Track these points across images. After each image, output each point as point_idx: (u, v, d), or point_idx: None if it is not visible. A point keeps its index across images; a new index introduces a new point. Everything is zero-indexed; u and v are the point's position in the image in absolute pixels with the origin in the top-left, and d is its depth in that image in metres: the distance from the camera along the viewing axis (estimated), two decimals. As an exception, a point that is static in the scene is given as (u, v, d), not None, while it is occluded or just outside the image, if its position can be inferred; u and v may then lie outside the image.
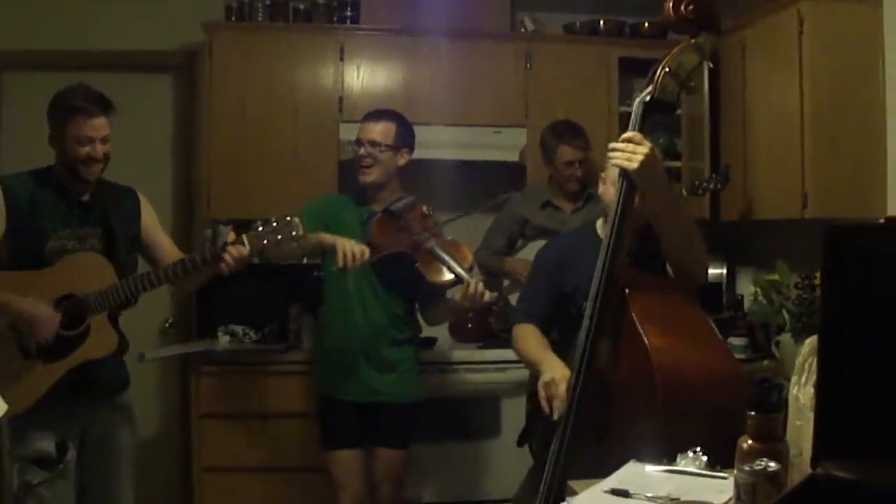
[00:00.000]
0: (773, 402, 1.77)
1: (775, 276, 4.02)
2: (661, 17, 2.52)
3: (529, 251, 4.17)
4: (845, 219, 3.66)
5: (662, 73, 2.42)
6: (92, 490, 3.12)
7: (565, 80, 4.91)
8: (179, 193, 5.15)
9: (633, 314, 2.41)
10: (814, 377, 1.86)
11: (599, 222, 2.95)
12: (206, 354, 4.45)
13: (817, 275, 3.49)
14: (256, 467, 4.36)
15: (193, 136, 5.08)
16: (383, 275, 3.54)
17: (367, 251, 3.31)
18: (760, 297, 4.11)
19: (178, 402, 5.01)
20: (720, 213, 4.81)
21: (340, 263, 3.27)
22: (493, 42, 4.94)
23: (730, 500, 1.79)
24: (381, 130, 3.59)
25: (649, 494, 1.89)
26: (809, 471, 1.66)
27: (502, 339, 4.29)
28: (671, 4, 2.41)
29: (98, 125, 2.98)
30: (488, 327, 4.72)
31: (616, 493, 1.93)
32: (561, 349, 2.78)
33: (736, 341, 4.30)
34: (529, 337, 2.96)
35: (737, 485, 1.72)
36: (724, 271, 4.97)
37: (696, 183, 4.53)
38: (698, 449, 2.05)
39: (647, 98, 2.45)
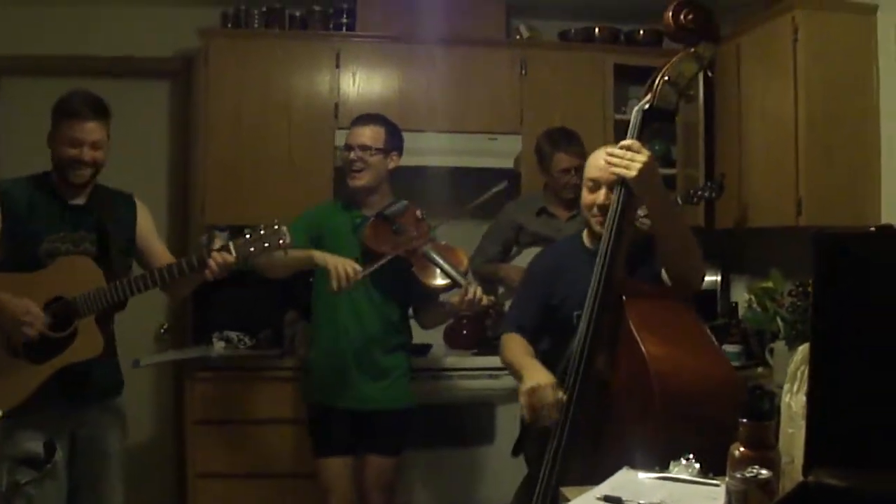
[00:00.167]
0: (764, 409, 1.77)
1: (769, 284, 4.02)
2: (660, 26, 2.54)
3: (524, 258, 4.17)
4: (836, 226, 3.70)
5: (661, 81, 2.44)
6: (82, 491, 3.13)
7: (560, 87, 4.92)
8: (175, 199, 5.15)
9: (630, 321, 2.41)
10: (806, 385, 1.86)
11: (585, 233, 2.95)
12: (201, 360, 4.44)
13: (811, 282, 3.49)
14: (251, 473, 4.35)
15: (189, 141, 5.09)
16: (377, 280, 3.54)
17: (359, 269, 3.32)
18: (755, 305, 4.12)
19: (172, 407, 5.01)
20: (715, 220, 4.83)
21: (335, 286, 3.29)
22: (489, 49, 4.95)
23: (722, 507, 1.79)
24: (370, 134, 3.60)
25: (642, 501, 1.89)
26: (801, 479, 1.66)
27: (497, 345, 4.29)
28: (671, 14, 2.43)
29: (87, 128, 3.01)
30: (483, 334, 4.71)
31: (608, 500, 1.93)
32: (552, 358, 2.78)
33: (730, 348, 4.30)
34: (514, 345, 2.95)
35: (728, 492, 1.72)
36: (719, 279, 4.98)
37: (692, 191, 4.54)
38: (691, 456, 2.06)
39: (646, 106, 2.46)
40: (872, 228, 1.78)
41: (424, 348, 4.53)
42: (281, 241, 2.98)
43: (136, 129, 4.78)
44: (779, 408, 2.20)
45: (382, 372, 3.61)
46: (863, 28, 4.02)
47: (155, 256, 3.27)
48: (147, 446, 4.95)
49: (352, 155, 3.58)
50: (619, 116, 4.88)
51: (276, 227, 2.99)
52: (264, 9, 4.89)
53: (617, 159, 2.44)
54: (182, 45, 5.02)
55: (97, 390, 3.13)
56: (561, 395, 2.51)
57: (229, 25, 4.90)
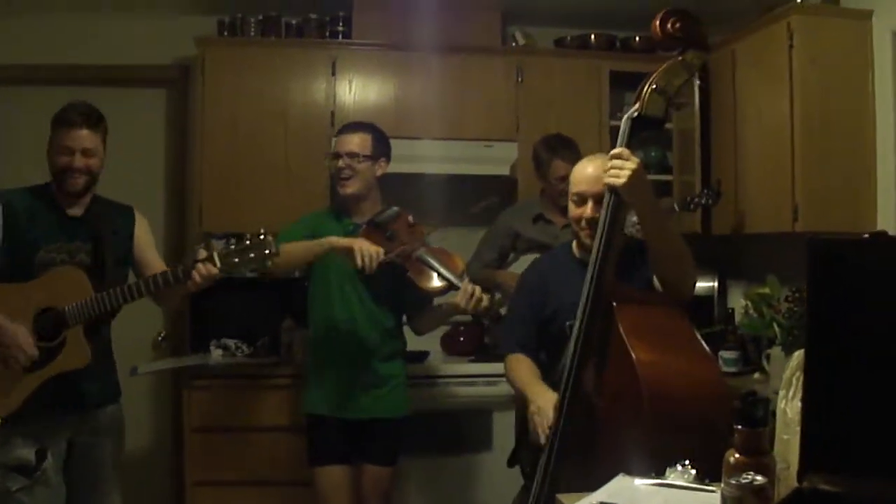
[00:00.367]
0: (758, 415, 1.77)
1: (766, 290, 4.03)
2: (649, 34, 2.54)
3: (521, 264, 4.17)
4: (832, 232, 3.70)
5: (650, 89, 2.45)
6: (79, 499, 3.14)
7: (556, 94, 4.93)
8: (172, 206, 5.16)
9: (620, 327, 2.41)
10: (801, 391, 1.87)
11: (574, 243, 2.96)
12: (199, 368, 4.44)
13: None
14: (249, 481, 4.34)
15: (186, 149, 5.09)
16: (372, 287, 3.54)
17: (381, 251, 3.33)
18: (751, 311, 4.13)
19: (170, 415, 5.01)
20: (711, 226, 4.83)
21: (359, 263, 3.28)
22: (485, 56, 4.96)
23: (717, 513, 1.79)
24: (357, 142, 3.60)
25: (637, 508, 1.90)
26: (796, 485, 1.66)
27: (494, 353, 4.29)
28: (658, 22, 2.44)
29: (78, 136, 3.06)
30: (480, 341, 4.72)
31: (604, 506, 1.93)
32: (548, 368, 2.79)
33: (727, 354, 4.30)
34: (521, 367, 2.95)
35: (723, 498, 1.72)
36: (716, 285, 4.97)
37: (689, 198, 4.55)
38: (687, 462, 2.06)
39: (635, 114, 2.47)
40: (866, 235, 1.78)
41: (422, 355, 4.53)
42: (267, 252, 2.97)
43: (133, 137, 4.78)
44: (774, 414, 2.21)
45: (380, 380, 3.60)
46: (858, 34, 4.03)
47: (150, 269, 3.27)
48: (145, 454, 4.94)
49: (340, 163, 3.58)
50: (614, 123, 4.88)
51: (262, 237, 2.98)
52: (261, 17, 4.90)
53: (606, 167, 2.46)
54: (179, 53, 5.03)
55: (93, 399, 3.14)
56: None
57: (226, 34, 4.91)
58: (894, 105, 3.91)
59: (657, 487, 2.02)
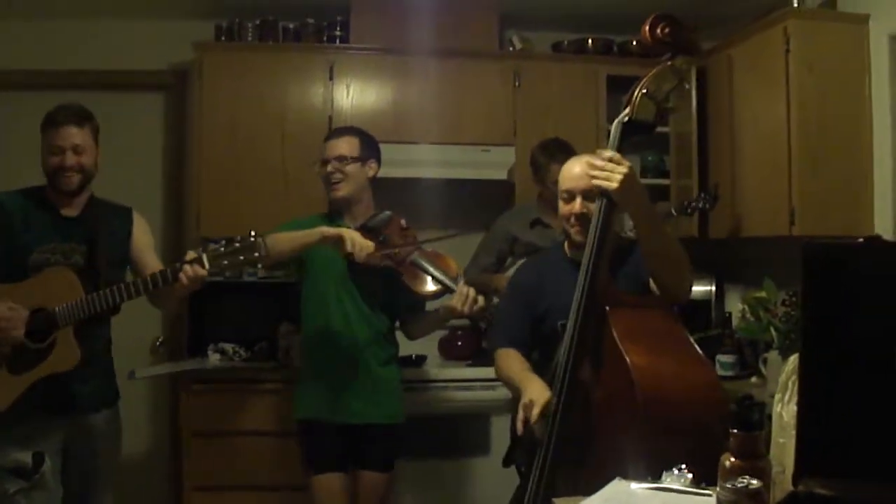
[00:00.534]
0: (754, 419, 1.77)
1: (763, 294, 4.03)
2: (639, 39, 2.56)
3: (519, 269, 4.18)
4: (829, 236, 3.71)
5: (640, 94, 2.46)
6: (74, 502, 3.15)
7: (554, 99, 4.94)
8: (170, 211, 5.16)
9: (614, 331, 2.42)
10: (797, 395, 1.87)
11: (566, 243, 2.97)
12: (197, 372, 4.44)
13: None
14: (246, 486, 4.34)
15: (184, 154, 5.10)
16: (365, 291, 3.54)
17: (372, 245, 3.31)
18: (748, 315, 4.12)
19: (167, 419, 5.01)
20: (708, 230, 4.83)
21: (349, 248, 3.26)
22: (482, 61, 4.97)
23: (713, 517, 1.79)
24: (345, 145, 3.59)
25: (634, 512, 1.90)
26: (792, 488, 1.67)
27: (492, 357, 4.29)
28: (648, 27, 2.45)
29: (66, 134, 3.07)
30: (478, 345, 4.72)
31: (601, 510, 1.93)
32: (541, 369, 2.79)
33: (724, 358, 4.30)
34: (511, 360, 2.95)
35: (719, 502, 1.72)
36: (713, 288, 4.97)
37: (686, 202, 4.56)
38: (683, 466, 2.06)
39: (625, 119, 2.48)
40: (861, 239, 1.79)
41: (419, 359, 4.53)
42: (257, 254, 2.96)
43: (131, 142, 4.80)
44: (770, 417, 2.21)
45: (377, 385, 3.58)
46: (855, 38, 4.04)
47: (147, 270, 3.24)
48: (142, 458, 4.94)
49: (329, 167, 3.57)
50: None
51: (253, 238, 2.97)
52: (258, 21, 4.90)
53: (598, 171, 2.46)
54: (176, 58, 5.04)
55: (85, 401, 3.14)
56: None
57: (223, 38, 4.92)
58: (891, 109, 3.92)
59: (653, 491, 2.02)
